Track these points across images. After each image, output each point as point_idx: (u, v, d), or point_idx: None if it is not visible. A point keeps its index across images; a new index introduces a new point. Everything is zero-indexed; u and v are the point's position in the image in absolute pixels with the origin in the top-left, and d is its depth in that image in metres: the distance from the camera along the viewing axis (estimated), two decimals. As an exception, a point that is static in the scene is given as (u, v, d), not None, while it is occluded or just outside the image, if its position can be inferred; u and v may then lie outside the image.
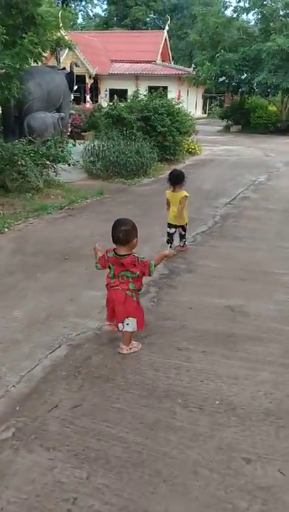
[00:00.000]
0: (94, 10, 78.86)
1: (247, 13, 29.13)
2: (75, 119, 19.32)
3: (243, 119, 29.30)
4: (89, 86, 38.07)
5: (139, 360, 3.49)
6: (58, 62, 20.31)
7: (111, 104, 15.06)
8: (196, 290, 4.82)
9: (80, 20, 69.59)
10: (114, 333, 3.75)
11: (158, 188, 10.66)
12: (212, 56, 27.79)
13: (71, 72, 16.45)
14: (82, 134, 18.76)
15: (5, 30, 10.07)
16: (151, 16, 61.97)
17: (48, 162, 10.04)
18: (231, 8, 29.39)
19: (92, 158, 12.06)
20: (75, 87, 19.77)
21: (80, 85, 38.03)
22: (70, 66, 19.64)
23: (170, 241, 5.96)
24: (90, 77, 38.12)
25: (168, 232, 5.98)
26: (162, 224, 7.21)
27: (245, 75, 27.68)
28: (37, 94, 14.24)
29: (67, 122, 16.19)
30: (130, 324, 3.55)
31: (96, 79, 38.87)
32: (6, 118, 14.36)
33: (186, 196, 5.78)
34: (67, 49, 27.72)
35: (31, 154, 9.60)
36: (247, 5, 28.18)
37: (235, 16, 29.08)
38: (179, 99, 38.60)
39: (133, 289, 3.51)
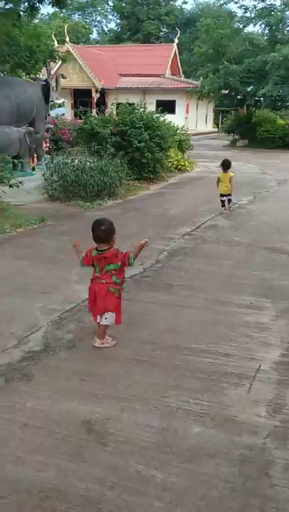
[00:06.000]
0: (108, 25, 78.47)
1: (254, 24, 27.60)
2: (64, 134, 18.12)
3: (250, 134, 27.54)
4: (95, 100, 37.18)
5: None
6: (49, 74, 19.27)
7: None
8: (59, 384, 3.20)
9: (94, 36, 69.33)
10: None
11: (117, 213, 9.11)
12: (216, 68, 26.35)
13: (47, 83, 15.12)
14: (69, 149, 17.52)
15: None
16: (164, 30, 60.99)
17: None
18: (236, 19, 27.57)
19: (54, 177, 10.54)
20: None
21: (86, 100, 37.39)
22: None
23: (223, 205, 9.05)
24: (96, 91, 37.22)
25: (221, 200, 9.09)
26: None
27: (251, 87, 26.03)
28: (4, 107, 12.96)
29: (42, 137, 14.85)
30: (108, 318, 3.68)
31: (103, 93, 37.94)
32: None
33: (233, 176, 8.99)
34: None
35: None
36: (253, 15, 26.66)
37: (241, 26, 27.58)
38: (187, 113, 37.56)
39: (115, 282, 3.66)
